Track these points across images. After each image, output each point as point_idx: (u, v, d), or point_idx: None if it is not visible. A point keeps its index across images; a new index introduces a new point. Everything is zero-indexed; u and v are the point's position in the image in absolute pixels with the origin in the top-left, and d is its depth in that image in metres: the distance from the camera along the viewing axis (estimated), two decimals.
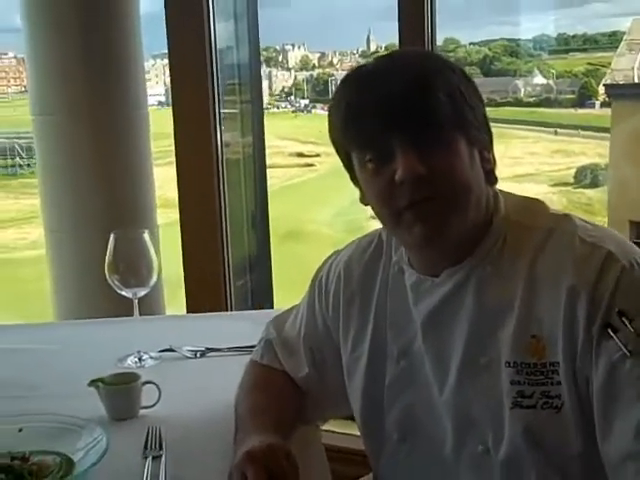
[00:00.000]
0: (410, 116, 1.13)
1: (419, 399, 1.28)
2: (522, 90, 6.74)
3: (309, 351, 1.44)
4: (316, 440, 1.45)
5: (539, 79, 6.64)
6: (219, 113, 3.07)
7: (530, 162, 7.80)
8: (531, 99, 6.79)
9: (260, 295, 3.38)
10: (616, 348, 1.08)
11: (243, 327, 1.69)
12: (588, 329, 1.10)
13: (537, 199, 1.27)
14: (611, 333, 1.09)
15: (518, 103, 6.74)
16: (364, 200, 1.24)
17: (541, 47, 6.35)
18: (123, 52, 2.96)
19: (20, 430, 1.35)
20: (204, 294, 3.09)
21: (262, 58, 8.13)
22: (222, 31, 3.13)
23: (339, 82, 1.22)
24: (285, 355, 1.47)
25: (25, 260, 9.08)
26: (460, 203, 1.16)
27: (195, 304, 3.08)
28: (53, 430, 1.35)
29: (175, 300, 3.62)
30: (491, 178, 1.21)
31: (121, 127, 2.97)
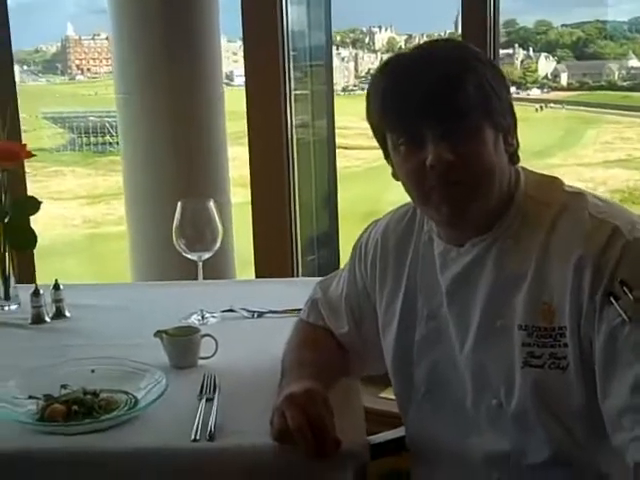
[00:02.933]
0: (442, 106, 1.24)
1: (444, 356, 1.40)
2: (616, 73, 6.61)
3: (349, 310, 1.58)
4: (355, 393, 1.57)
5: (634, 62, 6.50)
6: (290, 95, 3.20)
7: (621, 147, 7.67)
8: (625, 83, 6.66)
9: (327, 271, 3.50)
10: (616, 314, 1.18)
11: (302, 292, 1.80)
12: (592, 296, 1.20)
13: (554, 177, 1.38)
14: (612, 301, 1.18)
15: (611, 87, 6.62)
16: (396, 176, 1.36)
17: (637, 29, 6.23)
18: (201, 34, 3.14)
19: (93, 371, 1.54)
20: (272, 269, 3.20)
21: (349, 40, 8.17)
22: (296, 14, 3.27)
23: (378, 68, 1.34)
24: (329, 314, 1.61)
25: (112, 235, 9.38)
26: (483, 188, 1.28)
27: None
28: (121, 372, 1.54)
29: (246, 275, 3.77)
30: (514, 159, 1.33)
31: (197, 106, 3.15)
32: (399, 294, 1.46)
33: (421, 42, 1.37)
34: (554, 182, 1.36)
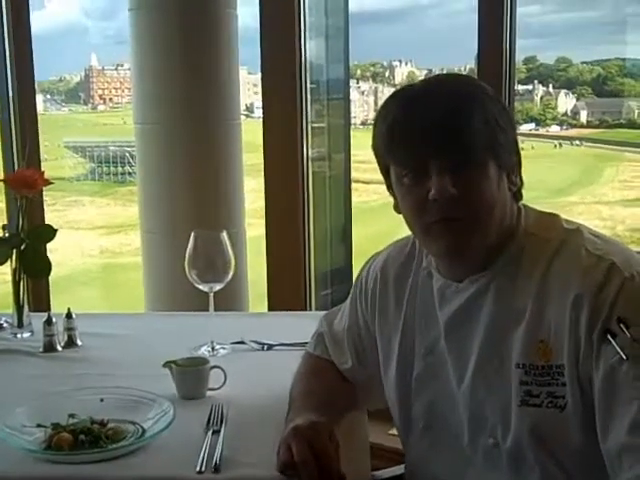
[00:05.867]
0: (448, 142, 1.24)
1: (441, 393, 1.39)
2: (636, 111, 6.61)
3: (352, 345, 1.57)
4: (361, 427, 1.57)
5: None
6: (308, 127, 3.22)
7: None
8: None
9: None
10: (614, 352, 1.17)
11: (313, 325, 1.80)
12: (589, 334, 1.19)
13: (554, 214, 1.38)
14: (610, 338, 1.18)
15: (631, 125, 6.61)
16: (397, 209, 1.36)
17: None
18: (219, 65, 3.17)
19: (101, 400, 1.54)
20: (285, 303, 3.20)
21: (369, 73, 8.23)
22: (314, 47, 3.31)
23: (387, 98, 1.34)
24: (333, 348, 1.61)
25: (128, 265, 9.43)
26: (483, 224, 1.28)
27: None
28: (129, 402, 1.53)
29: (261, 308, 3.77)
30: (517, 196, 1.33)
31: (214, 136, 3.18)
32: (398, 328, 1.45)
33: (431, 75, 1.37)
34: (554, 219, 1.36)
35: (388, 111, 1.31)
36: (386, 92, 8.64)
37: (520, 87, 6.79)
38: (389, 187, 1.37)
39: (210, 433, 1.44)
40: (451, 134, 1.24)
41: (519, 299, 1.28)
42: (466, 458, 1.36)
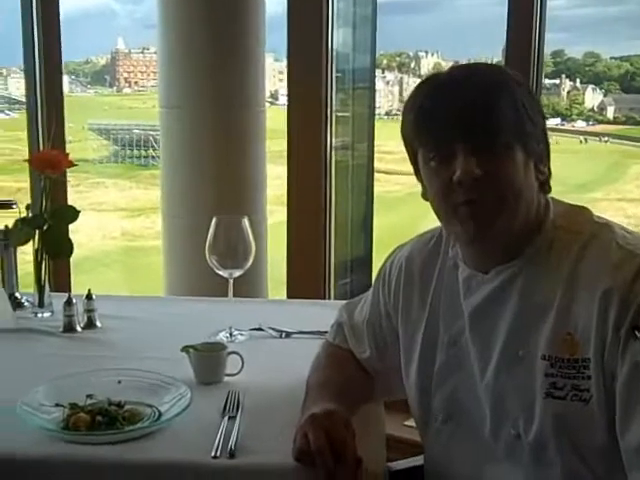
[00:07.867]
0: (474, 123, 1.24)
1: (463, 384, 1.38)
2: None
3: (372, 335, 1.57)
4: (377, 419, 1.57)
5: None
6: (332, 116, 3.22)
7: None
8: None
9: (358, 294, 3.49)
10: None
11: (331, 314, 1.80)
12: (617, 330, 1.19)
13: (584, 207, 1.37)
14: (637, 334, 1.17)
15: None
16: (425, 195, 1.36)
17: None
18: (246, 52, 3.16)
19: (119, 382, 1.55)
20: (304, 291, 3.21)
21: (394, 64, 8.20)
22: (341, 36, 3.29)
23: (417, 85, 1.34)
24: (352, 338, 1.61)
25: (149, 248, 9.46)
26: (509, 207, 1.26)
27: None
28: (146, 385, 1.55)
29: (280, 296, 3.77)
30: (545, 187, 1.32)
31: (239, 122, 3.17)
32: (423, 319, 1.45)
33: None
34: (583, 212, 1.35)
35: (417, 97, 1.31)
36: (411, 83, 8.60)
37: (547, 81, 6.75)
38: (417, 173, 1.37)
39: (226, 419, 1.44)
40: (478, 117, 1.24)
41: (547, 291, 1.28)
42: (487, 450, 1.36)
